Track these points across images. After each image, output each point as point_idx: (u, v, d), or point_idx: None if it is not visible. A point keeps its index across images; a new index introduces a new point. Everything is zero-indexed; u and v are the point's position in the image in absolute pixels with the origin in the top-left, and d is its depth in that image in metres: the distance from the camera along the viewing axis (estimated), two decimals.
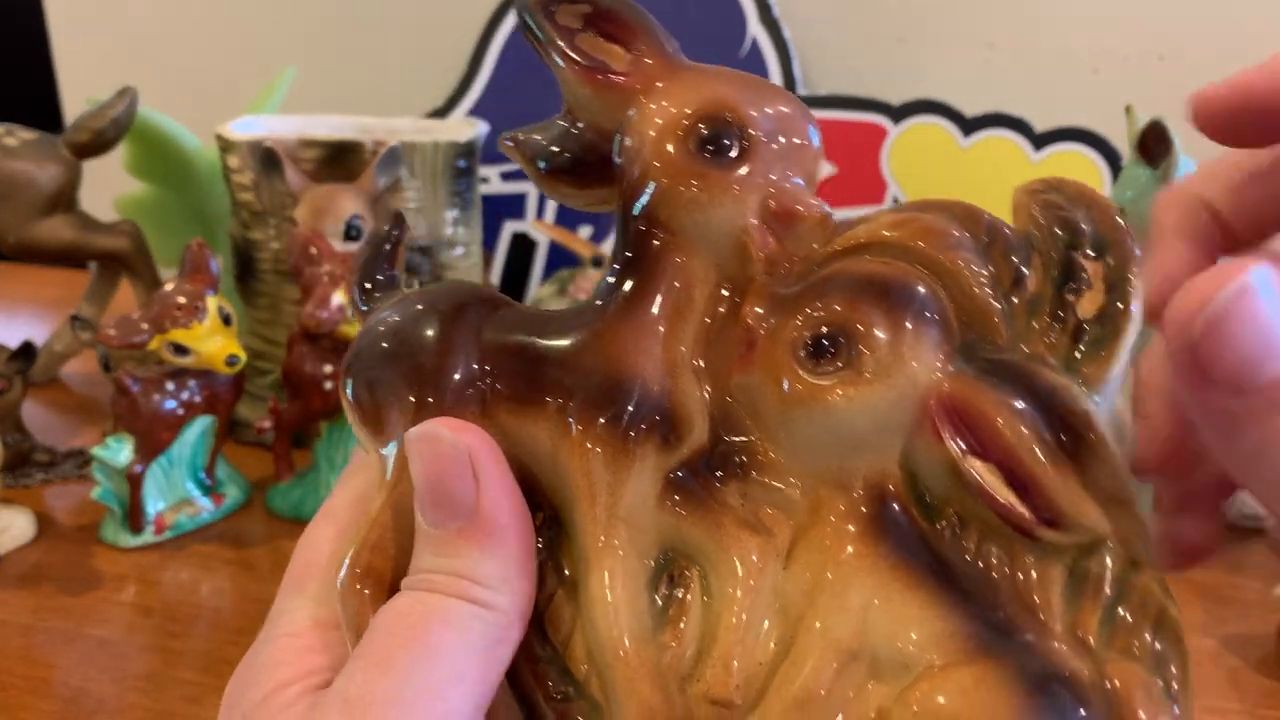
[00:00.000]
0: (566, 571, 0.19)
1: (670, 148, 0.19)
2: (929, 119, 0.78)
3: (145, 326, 0.49)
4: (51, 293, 0.90)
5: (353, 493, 0.22)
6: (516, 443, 0.19)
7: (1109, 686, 0.16)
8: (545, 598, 0.19)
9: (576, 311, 0.20)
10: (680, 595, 0.19)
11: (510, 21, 0.84)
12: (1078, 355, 0.17)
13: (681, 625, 0.18)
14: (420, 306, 0.21)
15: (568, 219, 0.84)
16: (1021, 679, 0.16)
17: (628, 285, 0.19)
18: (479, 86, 0.85)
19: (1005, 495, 0.17)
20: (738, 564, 0.18)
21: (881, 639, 0.17)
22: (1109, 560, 0.17)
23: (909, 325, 0.17)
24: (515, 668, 0.19)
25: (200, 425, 0.53)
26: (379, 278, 0.23)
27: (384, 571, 0.19)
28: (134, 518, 0.51)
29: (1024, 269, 0.18)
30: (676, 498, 0.19)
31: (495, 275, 0.85)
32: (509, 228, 0.85)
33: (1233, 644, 0.45)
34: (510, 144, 0.21)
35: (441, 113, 0.86)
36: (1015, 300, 0.18)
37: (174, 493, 0.53)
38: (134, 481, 0.51)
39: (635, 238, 0.19)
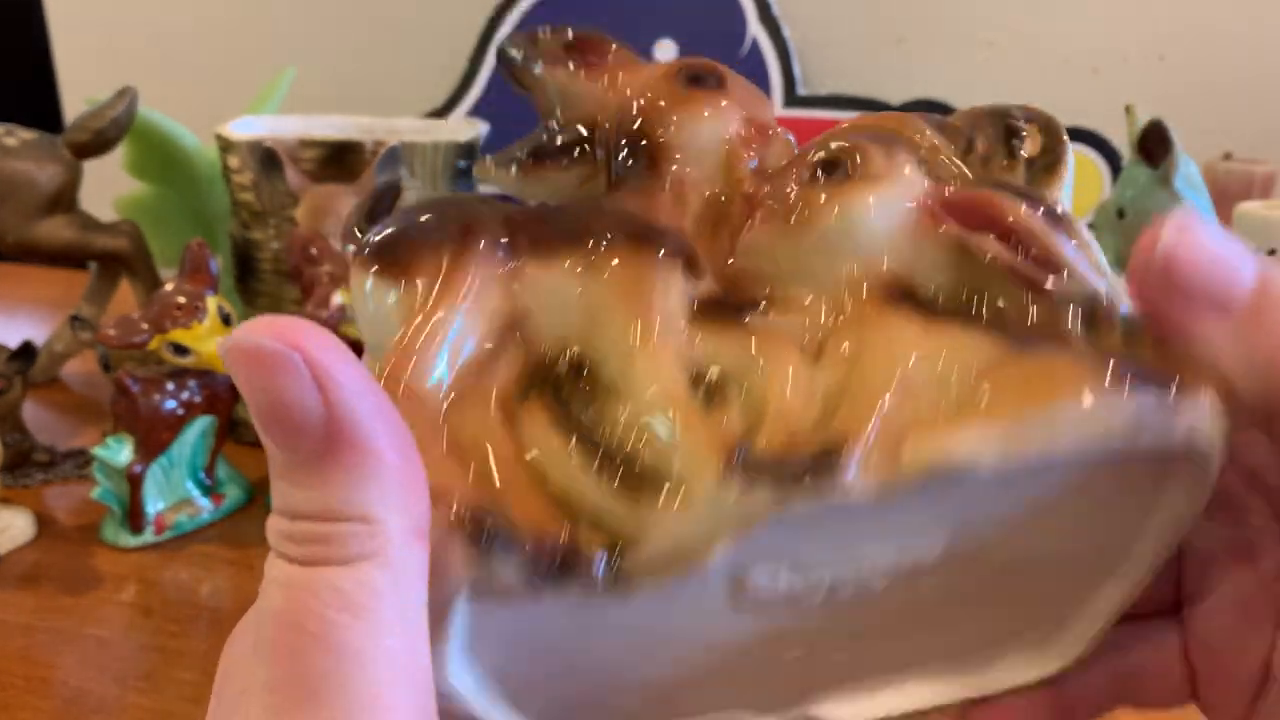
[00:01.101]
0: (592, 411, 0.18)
1: (660, 83, 0.21)
2: None
3: (145, 326, 0.49)
4: (51, 293, 0.90)
5: None
6: (539, 295, 0.18)
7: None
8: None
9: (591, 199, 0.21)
10: (716, 392, 0.18)
11: (511, 22, 0.84)
12: (1033, 180, 0.21)
13: (724, 408, 0.18)
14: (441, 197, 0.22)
15: None
16: (1083, 362, 0.17)
17: (632, 181, 0.20)
18: (479, 87, 0.85)
19: (1013, 256, 0.18)
20: (773, 362, 0.18)
21: (938, 366, 0.17)
22: (1117, 308, 0.18)
23: (902, 154, 0.19)
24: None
25: (200, 425, 0.53)
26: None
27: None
28: (134, 518, 0.51)
29: (972, 137, 0.21)
30: (705, 317, 0.19)
31: None
32: None
33: None
34: (484, 163, 0.22)
35: (441, 113, 0.86)
36: (970, 157, 0.21)
37: (174, 493, 0.53)
38: (134, 481, 0.51)
39: (631, 151, 0.21)
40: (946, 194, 0.19)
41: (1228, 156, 0.69)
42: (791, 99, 0.80)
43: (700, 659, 0.21)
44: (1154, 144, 0.50)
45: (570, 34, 0.22)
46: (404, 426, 0.15)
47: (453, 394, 0.17)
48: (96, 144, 0.64)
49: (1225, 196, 0.62)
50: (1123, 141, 0.71)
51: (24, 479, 0.58)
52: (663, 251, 0.19)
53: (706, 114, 0.21)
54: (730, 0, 0.80)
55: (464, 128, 0.67)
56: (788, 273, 0.19)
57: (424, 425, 0.17)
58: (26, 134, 0.63)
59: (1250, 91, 0.76)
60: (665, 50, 0.79)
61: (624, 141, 0.21)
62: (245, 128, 0.63)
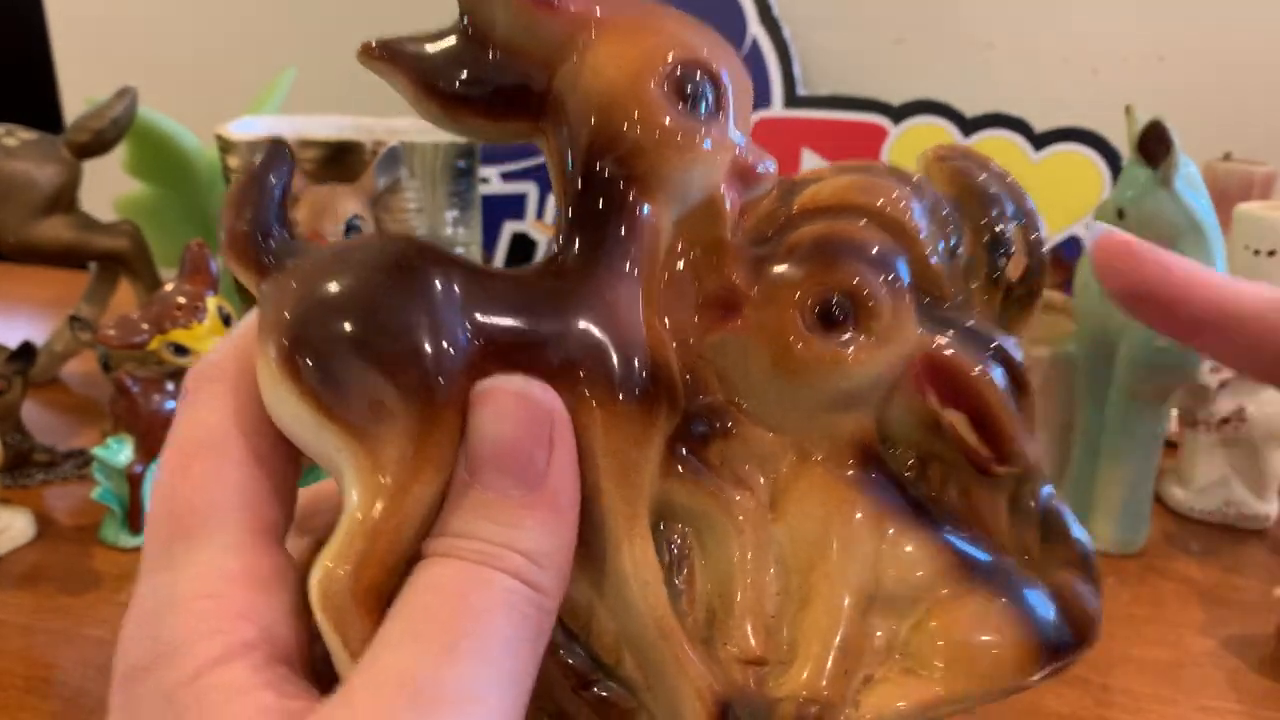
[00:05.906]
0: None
1: (648, 98, 0.17)
2: (929, 119, 0.78)
3: (145, 327, 0.49)
4: (51, 293, 0.90)
5: (201, 416, 0.18)
6: None
7: (1054, 589, 0.20)
8: None
9: (553, 274, 0.18)
10: (682, 559, 0.19)
11: None
12: (1007, 310, 0.21)
13: (692, 590, 0.19)
14: (380, 273, 0.17)
15: None
16: (1009, 599, 0.19)
17: (602, 239, 0.18)
18: None
19: (973, 439, 0.20)
20: (735, 524, 0.19)
21: (892, 580, 0.19)
22: (1039, 490, 0.21)
23: (905, 293, 0.20)
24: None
25: None
26: (274, 233, 0.18)
27: (385, 587, 0.16)
28: (134, 518, 0.51)
29: (959, 236, 0.21)
30: (678, 465, 0.18)
31: None
32: (509, 228, 0.85)
33: (1232, 645, 0.45)
34: (383, 55, 0.18)
35: None
36: (954, 262, 0.21)
37: None
38: (134, 481, 0.51)
39: (603, 187, 0.17)
40: (934, 353, 0.20)
41: (1227, 157, 0.69)
42: (791, 99, 0.80)
43: None
44: (1154, 144, 0.50)
45: None
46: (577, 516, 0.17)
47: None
48: (96, 144, 0.64)
49: (1225, 197, 0.62)
50: (1122, 142, 0.71)
51: (24, 479, 0.58)
52: (649, 405, 0.17)
53: (696, 163, 0.18)
54: (730, 0, 0.80)
55: None
56: (762, 397, 0.19)
57: None
58: (26, 134, 0.63)
59: (1250, 92, 0.76)
60: None
61: (595, 168, 0.17)
62: (245, 128, 0.63)
